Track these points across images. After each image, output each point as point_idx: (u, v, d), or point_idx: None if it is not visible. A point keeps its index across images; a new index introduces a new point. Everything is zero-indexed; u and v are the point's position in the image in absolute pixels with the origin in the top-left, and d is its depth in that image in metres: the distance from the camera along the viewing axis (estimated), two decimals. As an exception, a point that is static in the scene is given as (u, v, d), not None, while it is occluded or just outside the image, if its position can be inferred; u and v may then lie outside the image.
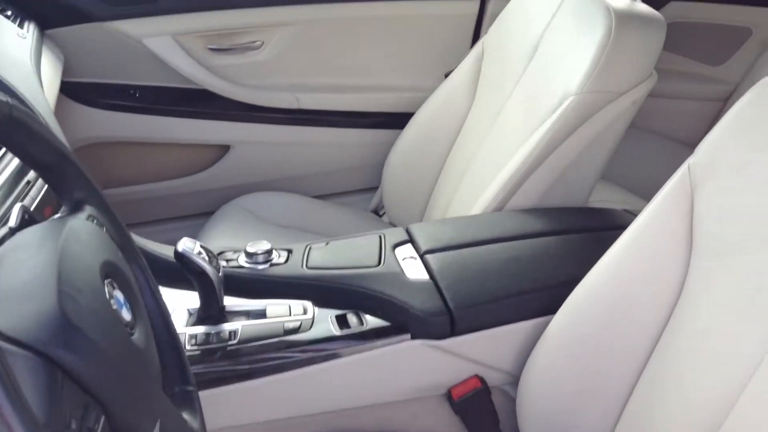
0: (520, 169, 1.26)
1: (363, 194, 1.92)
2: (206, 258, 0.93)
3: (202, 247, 0.94)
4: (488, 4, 1.78)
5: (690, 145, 1.89)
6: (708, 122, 1.84)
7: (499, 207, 1.29)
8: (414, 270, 1.07)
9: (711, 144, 0.85)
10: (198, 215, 1.81)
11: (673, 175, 0.87)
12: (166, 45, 1.63)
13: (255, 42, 1.73)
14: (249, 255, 1.09)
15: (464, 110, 1.60)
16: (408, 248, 1.13)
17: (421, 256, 1.10)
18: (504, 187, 1.28)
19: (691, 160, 0.86)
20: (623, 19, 1.20)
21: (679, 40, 1.73)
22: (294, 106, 1.78)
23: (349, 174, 1.92)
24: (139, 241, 1.03)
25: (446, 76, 1.69)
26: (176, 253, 0.92)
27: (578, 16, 1.30)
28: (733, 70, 1.81)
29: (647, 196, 1.32)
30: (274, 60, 1.76)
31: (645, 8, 1.27)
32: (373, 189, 1.89)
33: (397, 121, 1.77)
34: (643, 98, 1.26)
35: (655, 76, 1.27)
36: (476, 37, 1.82)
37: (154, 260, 1.03)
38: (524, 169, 1.25)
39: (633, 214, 1.06)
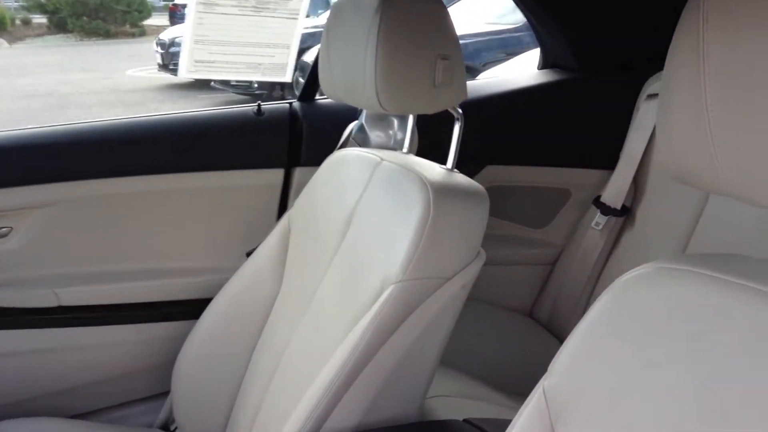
0: (338, 377, 1.04)
1: (147, 404, 1.57)
2: None
3: None
4: (294, 173, 1.59)
5: (524, 313, 1.79)
6: (538, 288, 1.72)
7: (315, 428, 1.04)
8: None
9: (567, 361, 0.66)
10: None
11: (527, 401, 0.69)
12: None
13: (0, 228, 1.41)
14: None
15: (271, 295, 1.37)
16: None
17: None
18: (320, 401, 1.04)
19: (545, 382, 0.67)
20: (441, 196, 1.07)
21: (500, 204, 1.63)
22: (52, 303, 1.46)
23: (129, 381, 1.57)
24: None
25: (248, 255, 1.45)
26: None
27: (393, 189, 1.17)
28: (557, 233, 1.73)
29: (490, 377, 1.08)
30: (25, 249, 1.45)
31: (464, 180, 1.15)
32: (162, 396, 1.54)
33: (190, 310, 1.49)
34: (473, 280, 1.11)
35: (483, 255, 1.13)
36: (282, 209, 1.60)
37: None
38: (343, 377, 1.04)
39: (474, 426, 0.99)
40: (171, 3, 13.15)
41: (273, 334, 1.33)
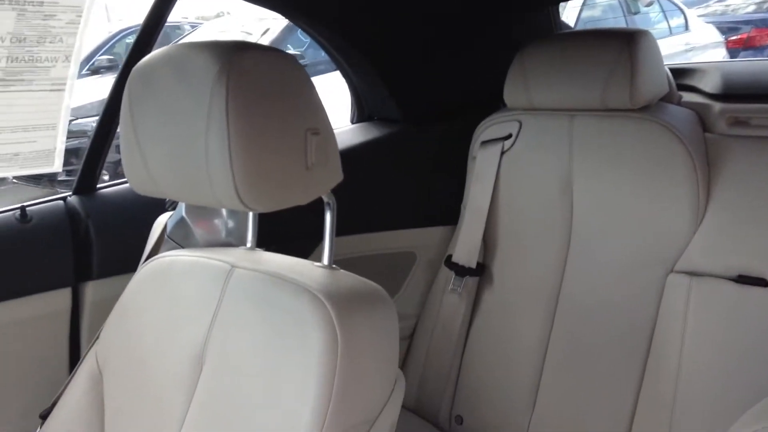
0: None
1: None
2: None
3: None
4: (84, 290, 1.22)
5: None
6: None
7: None
8: None
9: None
10: None
11: None
12: None
13: None
14: None
15: None
16: None
17: None
18: None
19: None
20: (346, 314, 0.82)
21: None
22: None
23: None
24: None
25: (43, 417, 1.04)
26: None
27: (264, 311, 0.88)
28: (408, 302, 1.56)
29: None
30: None
31: (356, 281, 0.92)
32: None
33: None
34: (397, 415, 0.90)
35: (402, 377, 0.92)
36: (74, 343, 1.21)
37: None
38: None
39: None
40: None
41: None
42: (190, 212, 1.16)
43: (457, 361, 1.45)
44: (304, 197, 0.86)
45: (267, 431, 0.82)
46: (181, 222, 1.16)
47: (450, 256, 1.48)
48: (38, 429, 1.02)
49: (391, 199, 1.53)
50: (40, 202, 1.24)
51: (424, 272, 1.56)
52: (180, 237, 1.16)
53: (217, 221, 1.17)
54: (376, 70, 1.49)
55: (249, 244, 1.08)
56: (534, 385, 1.34)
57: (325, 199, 0.95)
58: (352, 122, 1.62)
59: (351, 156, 1.51)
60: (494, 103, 1.46)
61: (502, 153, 1.42)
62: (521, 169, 1.41)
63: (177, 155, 0.83)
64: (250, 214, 1.09)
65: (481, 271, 1.44)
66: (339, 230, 1.44)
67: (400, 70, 1.51)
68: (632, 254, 1.26)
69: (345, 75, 1.56)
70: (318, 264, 0.94)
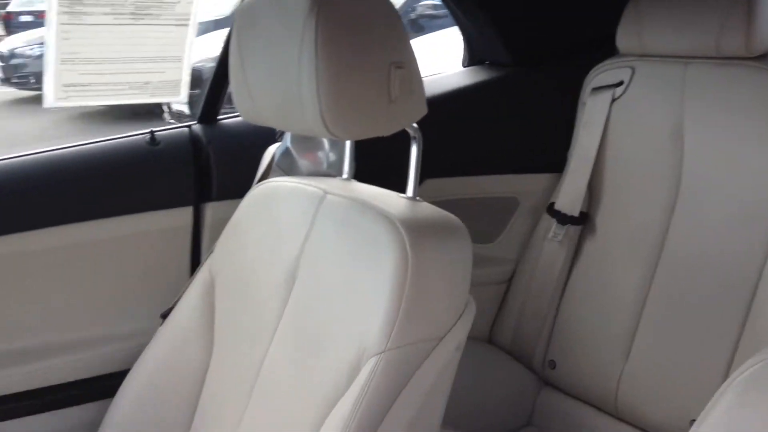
0: None
1: None
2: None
3: None
4: (205, 210, 1.33)
5: (482, 339, 1.62)
6: (494, 311, 1.55)
7: None
8: None
9: None
10: None
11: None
12: None
13: None
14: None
15: (200, 365, 1.13)
16: None
17: None
18: None
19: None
20: (417, 237, 0.88)
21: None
22: None
23: None
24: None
25: (163, 317, 1.19)
26: None
27: (349, 232, 0.96)
28: (509, 247, 1.57)
29: (451, 415, 0.98)
30: None
31: (435, 212, 0.97)
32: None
33: (102, 388, 1.24)
34: (466, 336, 0.94)
35: (473, 304, 0.96)
36: (195, 256, 1.33)
37: None
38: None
39: None
40: (3, 11, 11.97)
41: (212, 416, 1.09)
42: (295, 144, 1.24)
43: (554, 308, 1.45)
44: (387, 128, 0.90)
45: (343, 337, 0.90)
46: (287, 152, 1.25)
47: (552, 204, 1.47)
48: (159, 327, 1.16)
49: (496, 143, 1.53)
50: (168, 128, 1.37)
51: (525, 218, 1.56)
52: (286, 166, 1.24)
53: (320, 153, 1.25)
54: (486, 13, 1.49)
55: (345, 175, 1.15)
56: (629, 335, 1.33)
57: (411, 133, 0.99)
58: (464, 66, 1.63)
59: (459, 99, 1.53)
60: (605, 50, 1.41)
61: (613, 100, 1.38)
62: (631, 117, 1.36)
63: (275, 84, 0.90)
64: (347, 146, 1.15)
65: (584, 219, 1.42)
66: (441, 171, 1.49)
67: (510, 12, 1.49)
68: (743, 207, 1.20)
69: (456, 18, 1.57)
70: (402, 195, 1.00)
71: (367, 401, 0.84)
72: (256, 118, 0.99)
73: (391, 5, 0.90)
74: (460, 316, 0.92)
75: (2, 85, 7.58)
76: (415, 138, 1.00)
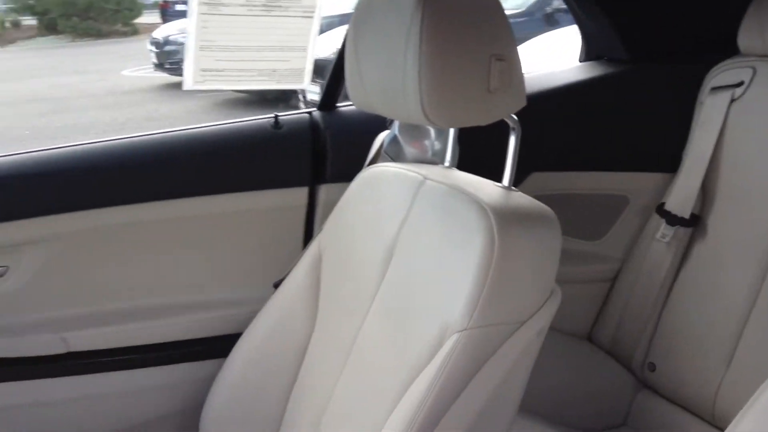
0: None
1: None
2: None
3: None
4: (319, 191, 1.42)
5: (582, 336, 1.62)
6: (596, 309, 1.54)
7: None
8: None
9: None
10: None
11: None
12: None
13: (-6, 268, 1.26)
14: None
15: (305, 333, 1.22)
16: None
17: None
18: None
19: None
20: (506, 223, 0.91)
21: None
22: (60, 350, 1.30)
23: (152, 429, 1.40)
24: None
25: (275, 285, 1.29)
26: None
27: (443, 215, 1.01)
28: (615, 246, 1.55)
29: (548, 411, 0.99)
30: (23, 290, 1.29)
31: (527, 201, 1.00)
32: (188, 446, 1.38)
33: (216, 348, 1.34)
34: (548, 323, 0.96)
35: (558, 293, 0.98)
36: (308, 232, 1.43)
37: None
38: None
39: None
40: (161, 0, 12.90)
41: (312, 380, 1.18)
42: (402, 132, 1.31)
43: (658, 310, 1.43)
44: (485, 118, 0.94)
45: (429, 313, 0.95)
46: (394, 140, 1.31)
47: (662, 204, 1.44)
48: (271, 295, 1.27)
49: (609, 139, 1.52)
50: (291, 114, 1.47)
51: (634, 217, 1.53)
52: (393, 152, 1.31)
53: (426, 142, 1.30)
54: (603, 8, 1.47)
55: (447, 163, 1.20)
56: (733, 342, 1.29)
57: (510, 124, 1.02)
58: (580, 61, 1.62)
59: (573, 93, 1.53)
60: (726, 49, 1.37)
61: (732, 101, 1.34)
62: (751, 118, 1.31)
63: (383, 73, 0.96)
64: (451, 136, 1.20)
65: (694, 222, 1.39)
66: (552, 166, 1.50)
67: (628, 8, 1.47)
68: None
69: (573, 13, 1.57)
70: (498, 184, 1.03)
71: (446, 375, 0.89)
72: (366, 106, 1.06)
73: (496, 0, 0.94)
74: (544, 303, 0.95)
75: (156, 70, 8.21)
76: (513, 129, 1.03)
